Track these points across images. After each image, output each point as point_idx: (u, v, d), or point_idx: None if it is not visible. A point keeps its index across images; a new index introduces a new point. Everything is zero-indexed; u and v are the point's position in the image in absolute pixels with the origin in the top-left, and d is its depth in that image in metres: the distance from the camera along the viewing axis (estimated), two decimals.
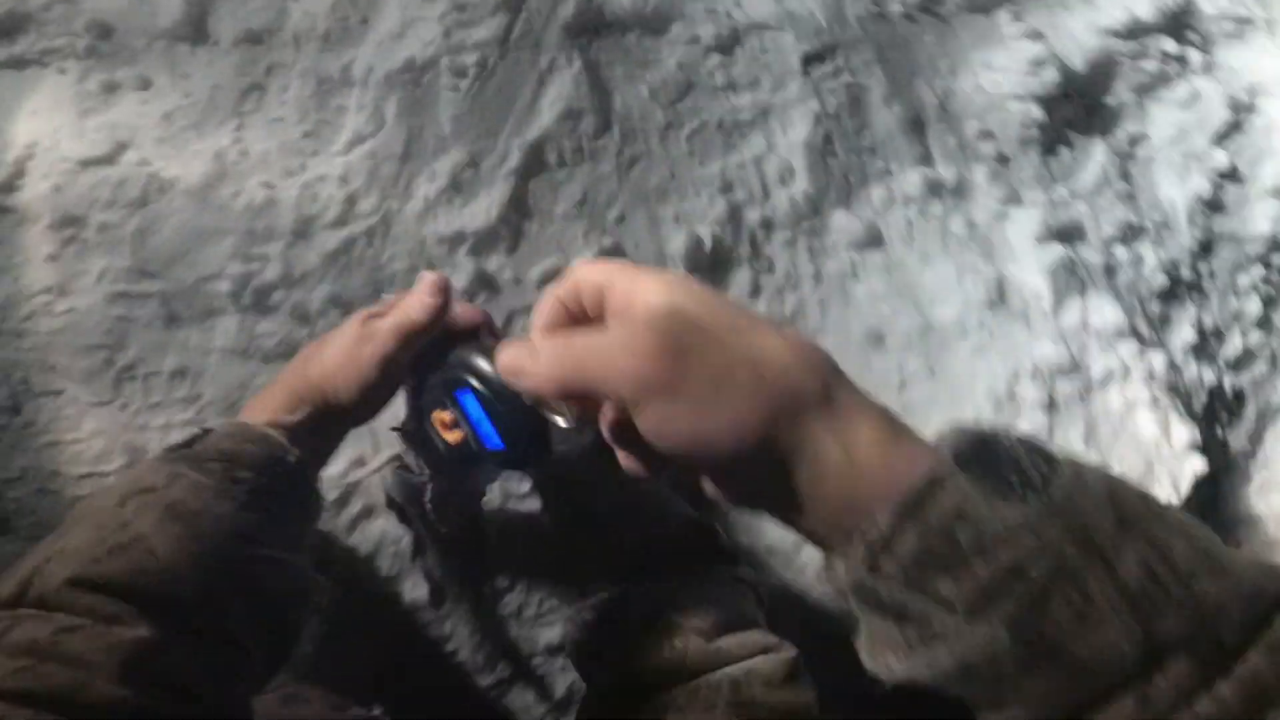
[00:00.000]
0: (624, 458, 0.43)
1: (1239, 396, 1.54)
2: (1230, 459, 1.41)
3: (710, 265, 1.03)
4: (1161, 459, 1.07)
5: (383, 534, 0.93)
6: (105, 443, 0.94)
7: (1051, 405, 1.02)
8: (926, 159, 1.13)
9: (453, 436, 0.58)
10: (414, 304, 0.62)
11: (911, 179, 1.09)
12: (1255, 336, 1.56)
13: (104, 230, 0.96)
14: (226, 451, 0.58)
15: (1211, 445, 1.36)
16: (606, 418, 0.43)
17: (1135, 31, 1.41)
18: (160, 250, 0.96)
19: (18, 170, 0.97)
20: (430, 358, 0.63)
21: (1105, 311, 1.09)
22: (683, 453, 0.38)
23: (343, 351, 0.62)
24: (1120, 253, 1.21)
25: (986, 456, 0.35)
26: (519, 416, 0.55)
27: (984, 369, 1.02)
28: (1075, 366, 1.04)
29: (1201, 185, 1.33)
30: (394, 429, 0.75)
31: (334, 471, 0.93)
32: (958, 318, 1.04)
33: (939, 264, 1.07)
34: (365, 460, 0.91)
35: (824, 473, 0.36)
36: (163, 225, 0.96)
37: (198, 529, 0.53)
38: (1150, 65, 1.34)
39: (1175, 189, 1.32)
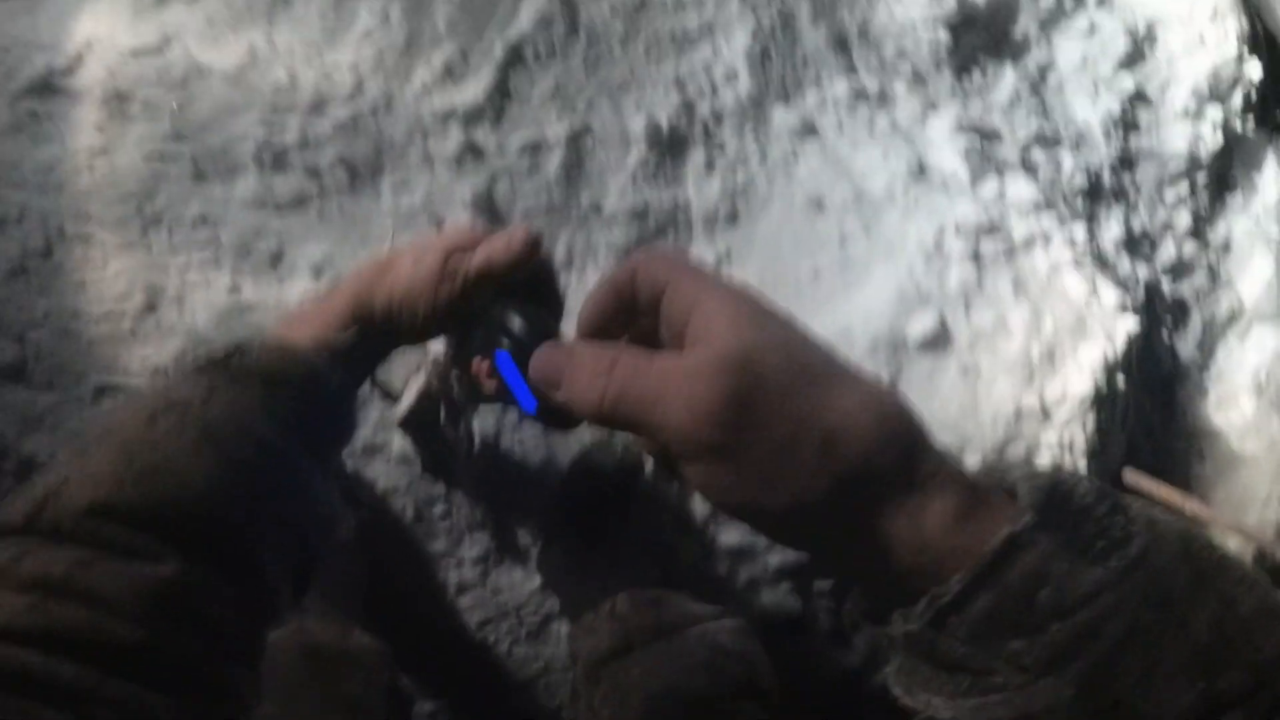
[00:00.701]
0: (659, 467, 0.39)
1: (1181, 305, 1.67)
2: (1182, 367, 1.52)
3: (669, 144, 1.19)
4: (1093, 315, 1.20)
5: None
6: (126, 282, 1.07)
7: (978, 259, 1.16)
8: (852, 71, 1.30)
9: (489, 385, 0.57)
10: (501, 252, 0.58)
11: (840, 86, 1.26)
12: (1190, 247, 1.70)
13: (147, 105, 1.12)
14: (269, 370, 0.52)
15: (1159, 348, 1.49)
16: (649, 446, 0.39)
17: None
18: (194, 120, 1.12)
19: (77, 58, 1.14)
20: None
21: (1021, 187, 1.24)
22: (731, 513, 0.36)
23: (419, 284, 0.57)
24: (1038, 154, 1.37)
25: (1065, 513, 0.33)
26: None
27: (913, 229, 1.17)
28: (996, 228, 1.18)
29: (1112, 105, 1.51)
30: (400, 424, 0.85)
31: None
32: (886, 187, 1.19)
33: (867, 148, 1.23)
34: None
35: (892, 546, 0.33)
36: (199, 101, 1.13)
37: (235, 454, 0.48)
38: (1047, 1, 1.53)
39: (1087, 109, 1.49)
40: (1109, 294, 1.25)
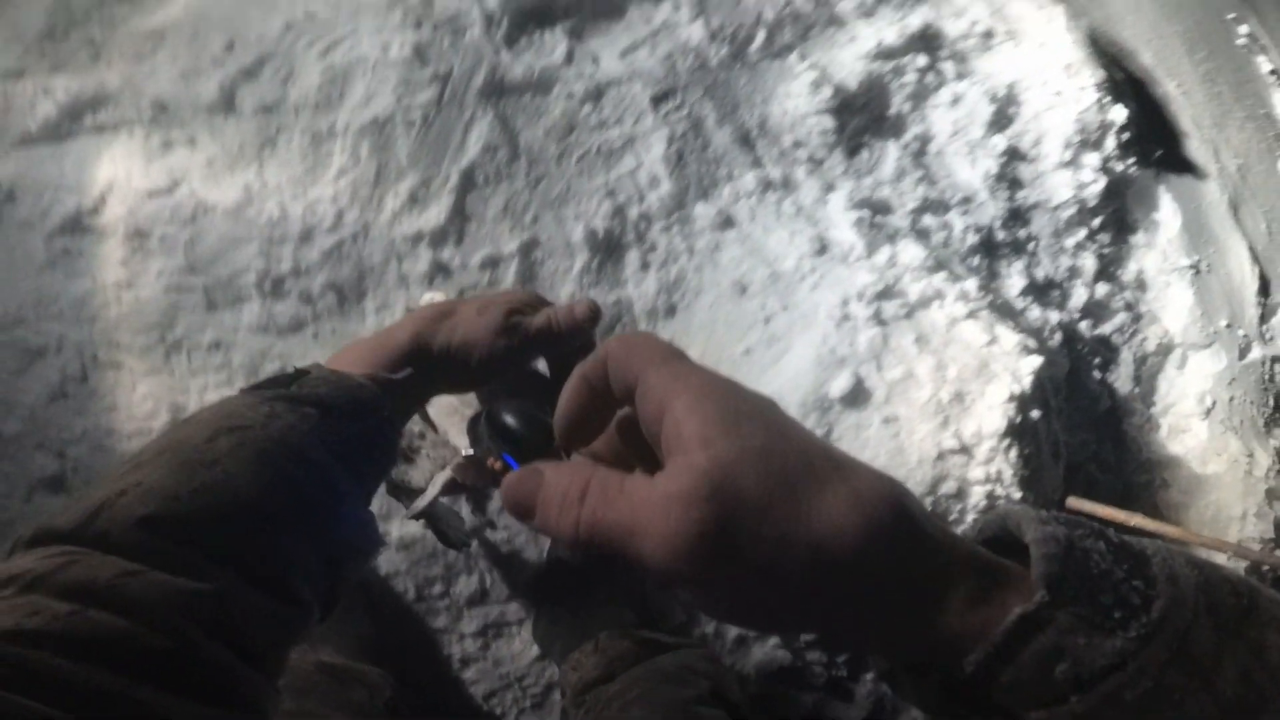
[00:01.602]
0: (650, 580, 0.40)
1: (1106, 344, 1.85)
2: (1122, 401, 1.72)
3: (607, 248, 1.40)
4: (995, 358, 1.40)
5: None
6: (153, 402, 1.29)
7: (880, 320, 1.37)
8: (758, 164, 1.51)
9: (499, 468, 0.60)
10: (564, 320, 0.61)
11: (749, 178, 1.47)
12: (1102, 289, 1.88)
13: (163, 240, 1.33)
14: (325, 397, 0.54)
15: (1090, 385, 1.69)
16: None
17: (889, 54, 1.83)
18: (204, 253, 1.33)
19: (100, 200, 1.35)
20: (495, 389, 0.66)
21: (912, 252, 1.45)
22: (728, 620, 0.35)
23: (479, 333, 0.60)
24: (928, 220, 1.58)
25: (1081, 582, 0.32)
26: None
27: (822, 300, 1.38)
28: (893, 292, 1.40)
29: (990, 165, 1.72)
30: (413, 517, 0.97)
31: None
32: (796, 265, 1.40)
33: (777, 232, 1.44)
34: None
35: (901, 639, 0.33)
36: (206, 236, 1.33)
37: (288, 476, 0.49)
38: (910, 79, 1.74)
39: (968, 172, 1.70)
40: (1008, 338, 1.46)
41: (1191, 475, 1.82)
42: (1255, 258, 2.33)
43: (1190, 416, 1.86)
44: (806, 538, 0.31)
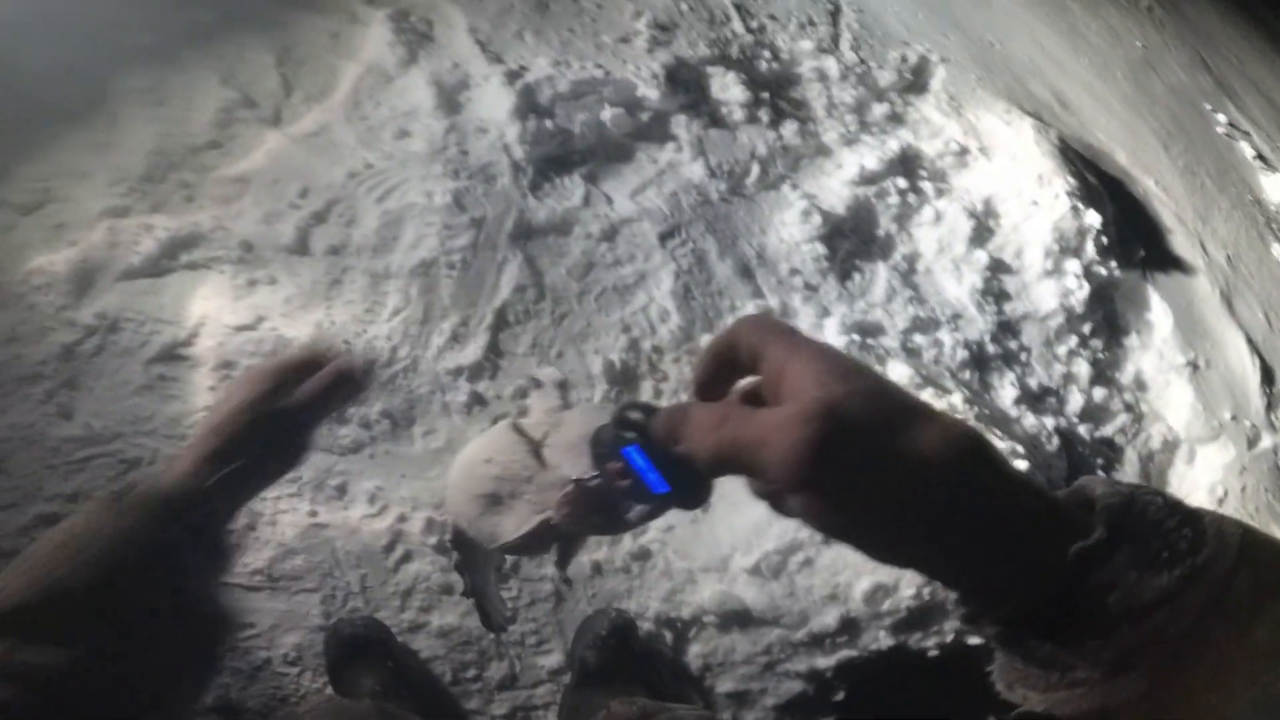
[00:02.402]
0: (763, 499, 0.46)
1: (1110, 444, 2.02)
2: None
3: (624, 378, 1.64)
4: None
5: (417, 574, 1.50)
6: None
7: None
8: (758, 293, 1.76)
9: (624, 482, 0.63)
10: (327, 384, 0.69)
11: (749, 308, 1.72)
12: (1100, 393, 2.06)
13: (248, 370, 1.56)
14: (146, 505, 0.62)
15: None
16: (757, 488, 0.45)
17: (872, 178, 2.07)
18: None
19: (194, 333, 1.60)
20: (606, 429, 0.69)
21: (901, 371, 1.69)
22: (831, 534, 0.41)
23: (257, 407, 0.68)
24: (918, 339, 1.81)
25: (1138, 527, 0.37)
26: (683, 462, 0.58)
27: None
28: None
29: (975, 280, 1.95)
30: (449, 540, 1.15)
31: (382, 525, 1.50)
32: None
33: None
34: (405, 517, 1.48)
35: (976, 556, 0.38)
36: None
37: (117, 575, 0.58)
38: (894, 200, 1.99)
39: (955, 287, 1.94)
40: (997, 444, 1.67)
41: None
42: (1255, 348, 2.51)
43: (1203, 507, 2.02)
44: (900, 459, 0.38)
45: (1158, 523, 0.38)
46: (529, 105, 1.99)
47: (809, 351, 0.41)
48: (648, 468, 0.58)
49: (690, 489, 0.56)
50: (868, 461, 0.38)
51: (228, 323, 1.61)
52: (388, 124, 1.94)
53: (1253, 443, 2.23)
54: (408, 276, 1.67)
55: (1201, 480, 2.11)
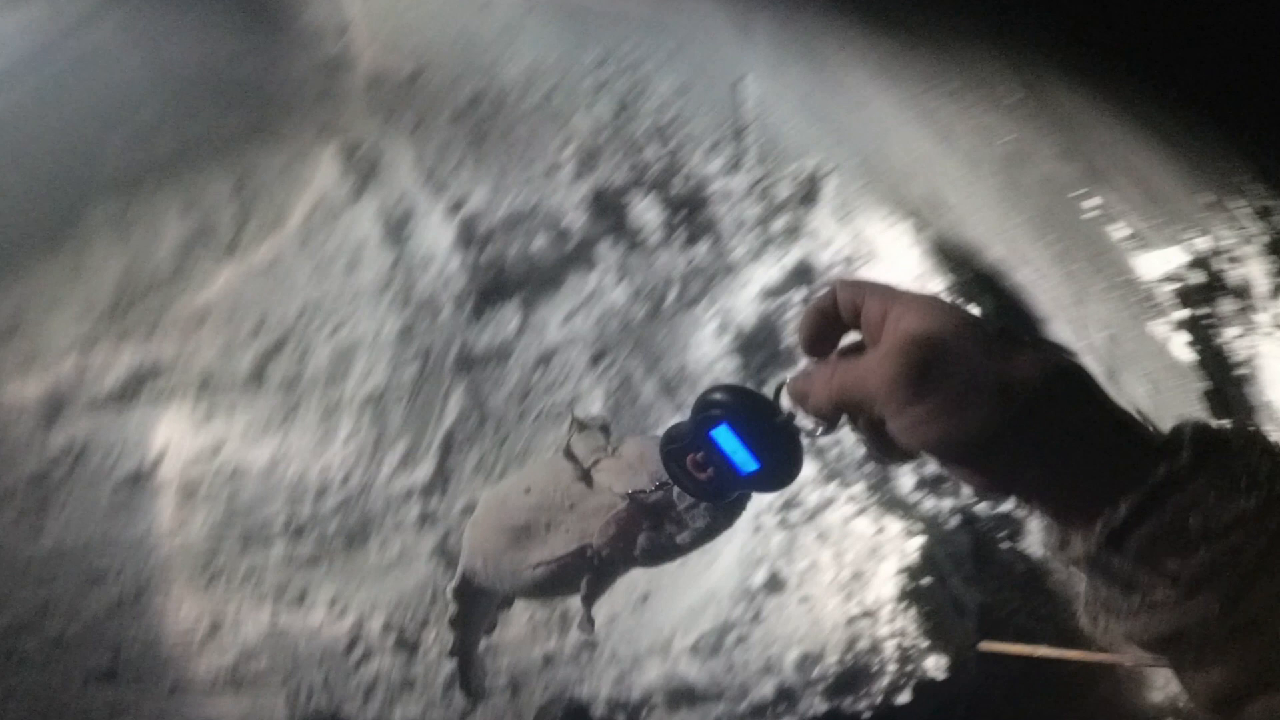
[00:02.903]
0: (870, 445, 0.52)
1: (1009, 518, 2.21)
2: (1038, 562, 2.12)
3: None
4: (884, 542, 1.90)
5: (378, 670, 1.66)
6: (196, 615, 1.68)
7: (787, 525, 1.85)
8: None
9: (703, 475, 0.65)
10: None
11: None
12: None
13: (208, 495, 1.73)
14: None
15: (1001, 555, 2.11)
16: (863, 422, 0.50)
17: (775, 292, 2.35)
18: (240, 505, 1.72)
19: (157, 459, 1.74)
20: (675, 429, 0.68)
21: (808, 469, 1.92)
22: (929, 450, 0.47)
23: None
24: (826, 440, 2.06)
25: (1222, 453, 0.42)
26: (771, 435, 0.61)
27: (752, 508, 1.83)
28: (794, 504, 1.87)
29: None
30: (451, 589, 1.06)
31: (342, 627, 1.66)
32: None
33: None
34: (365, 619, 1.64)
35: (1071, 468, 0.44)
36: (243, 491, 1.73)
37: None
38: (794, 311, 2.26)
39: None
40: (894, 526, 1.96)
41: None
42: (1145, 418, 2.81)
43: None
44: (997, 377, 0.43)
45: (1241, 450, 0.42)
46: (469, 236, 2.21)
47: (904, 296, 0.47)
48: (737, 446, 0.60)
49: (777, 464, 0.60)
50: (962, 379, 0.43)
51: (189, 450, 1.76)
52: (337, 256, 2.12)
53: None
54: (359, 406, 1.85)
55: None
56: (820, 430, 0.56)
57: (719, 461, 0.63)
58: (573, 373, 2.05)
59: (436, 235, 2.22)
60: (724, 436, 0.61)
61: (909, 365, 0.44)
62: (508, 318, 2.12)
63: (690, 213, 2.72)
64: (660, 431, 0.70)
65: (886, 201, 3.30)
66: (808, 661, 1.76)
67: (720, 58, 3.72)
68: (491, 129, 2.63)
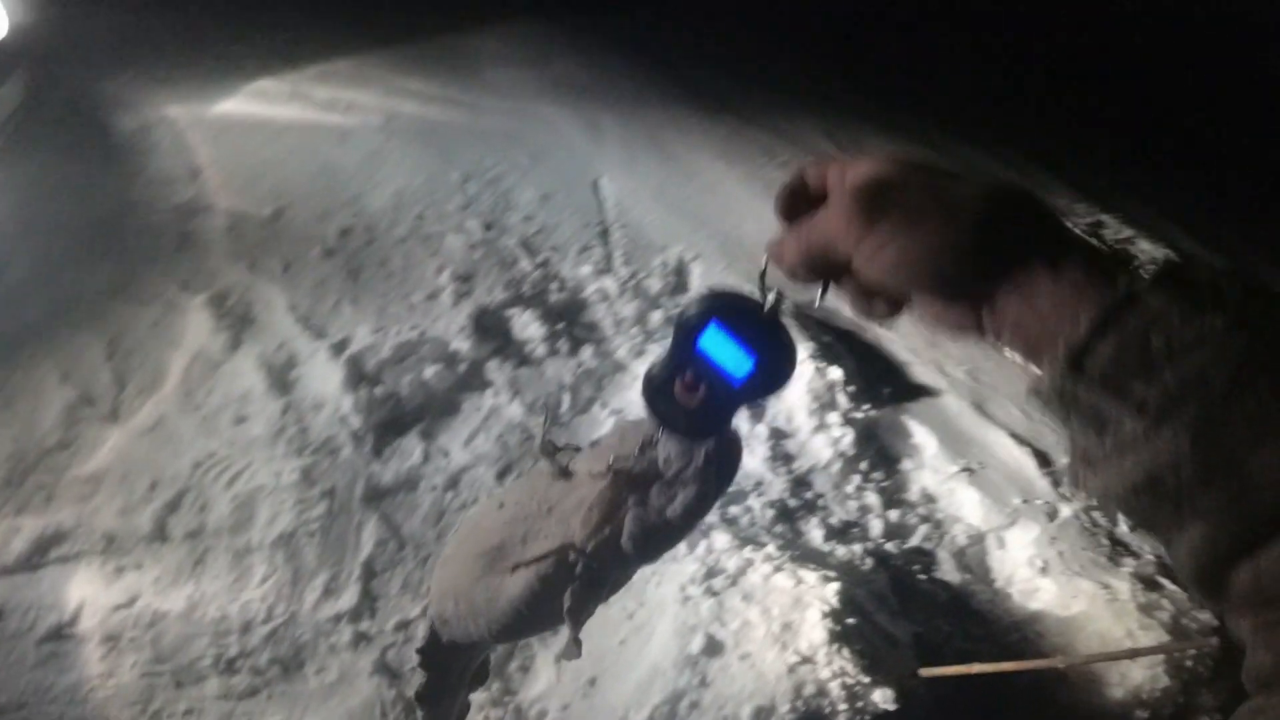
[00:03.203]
0: (854, 302, 0.68)
1: (922, 552, 2.94)
2: (959, 588, 2.80)
3: None
4: (804, 592, 2.60)
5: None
6: None
7: (712, 592, 2.53)
8: None
9: (694, 399, 0.77)
10: None
11: None
12: (894, 514, 3.05)
13: (132, 641, 2.28)
14: None
15: (920, 587, 2.82)
16: (845, 281, 0.67)
17: None
18: (166, 647, 2.30)
19: (76, 614, 2.29)
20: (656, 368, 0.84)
21: (723, 539, 2.70)
22: (894, 279, 0.63)
23: None
24: (733, 509, 2.80)
25: (1185, 278, 0.52)
26: (760, 327, 0.75)
27: (666, 590, 2.59)
28: (716, 571, 2.53)
29: (764, 450, 3.03)
30: (417, 651, 1.23)
31: None
32: (639, 575, 2.48)
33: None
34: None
35: (1032, 290, 0.57)
36: (166, 634, 2.32)
37: None
38: None
39: (751, 461, 3.02)
40: (810, 576, 2.65)
41: (1060, 620, 2.81)
42: (1021, 440, 3.57)
43: (1033, 578, 2.94)
44: (945, 203, 0.59)
45: (1211, 281, 0.52)
46: (358, 375, 2.90)
47: (858, 157, 0.66)
48: (727, 349, 0.74)
49: (771, 355, 0.75)
50: (912, 207, 0.60)
51: (104, 603, 2.30)
52: (223, 409, 2.77)
53: (1052, 516, 3.24)
54: (270, 548, 2.46)
55: (1020, 557, 3.05)
56: (816, 303, 0.75)
57: (710, 375, 0.78)
58: (483, 489, 2.70)
59: (324, 377, 2.91)
60: (712, 341, 0.75)
61: (858, 199, 0.63)
62: (410, 448, 2.79)
63: (570, 320, 3.50)
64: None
65: (748, 278, 4.16)
66: (762, 714, 2.39)
67: (576, 162, 4.73)
68: (365, 262, 3.39)
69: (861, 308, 0.68)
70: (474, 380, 3.13)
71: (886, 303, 0.67)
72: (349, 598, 2.45)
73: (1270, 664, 0.52)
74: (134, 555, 2.43)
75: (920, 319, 0.67)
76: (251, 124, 4.37)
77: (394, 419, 2.90)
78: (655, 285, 3.86)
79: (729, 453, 0.90)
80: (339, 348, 3.00)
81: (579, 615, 0.99)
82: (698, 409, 0.79)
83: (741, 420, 3.14)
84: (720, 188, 5.00)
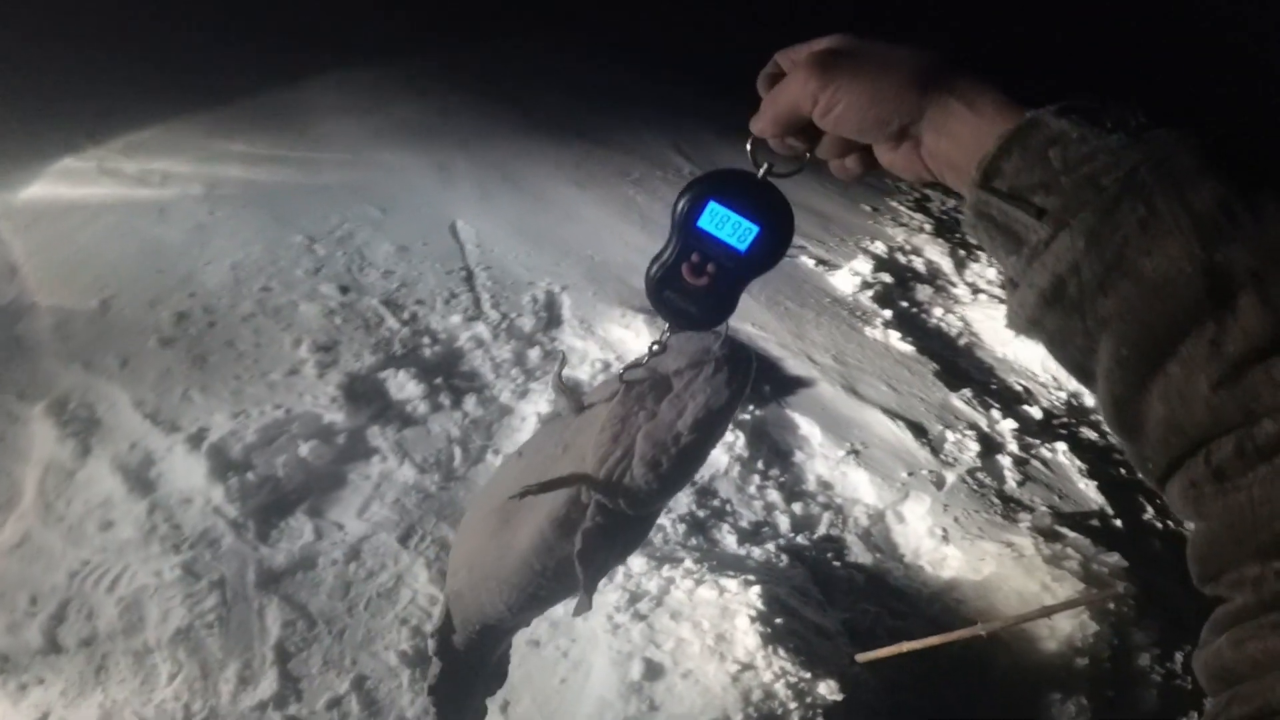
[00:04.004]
0: (832, 164, 0.91)
1: (830, 539, 3.37)
2: (873, 568, 3.18)
3: (420, 660, 2.63)
4: (729, 600, 2.93)
5: None
6: None
7: (640, 616, 2.84)
8: None
9: (703, 280, 0.88)
10: None
11: None
12: (799, 506, 3.49)
13: None
14: None
15: (835, 574, 3.22)
16: (822, 144, 0.89)
17: (548, 420, 3.38)
18: None
19: None
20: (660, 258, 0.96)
21: (638, 562, 3.01)
22: (846, 128, 0.86)
23: None
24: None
25: (1091, 107, 0.69)
26: (758, 194, 0.89)
27: (595, 622, 2.89)
28: (639, 595, 2.89)
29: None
30: (431, 635, 1.46)
31: None
32: (565, 611, 2.73)
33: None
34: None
35: (955, 127, 0.78)
36: None
37: None
38: None
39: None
40: (730, 583, 3.01)
41: (974, 584, 3.23)
42: (894, 415, 4.04)
43: (937, 548, 3.41)
44: (880, 60, 0.83)
45: (1115, 109, 0.67)
46: (224, 464, 3.12)
47: (820, 39, 0.90)
48: (730, 223, 0.87)
49: (774, 217, 0.90)
50: (861, 64, 0.83)
51: None
52: (87, 518, 2.96)
53: (940, 484, 3.76)
54: (169, 646, 2.63)
55: (920, 529, 3.51)
56: (797, 167, 0.94)
57: (717, 251, 0.90)
58: (388, 554, 2.93)
59: (187, 471, 3.14)
60: (714, 218, 0.88)
61: (813, 64, 0.85)
62: (299, 528, 3.02)
63: (448, 373, 3.76)
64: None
65: (617, 303, 4.58)
66: None
67: (429, 207, 5.06)
68: (210, 346, 3.64)
69: (838, 167, 0.93)
70: (357, 449, 3.39)
71: (858, 159, 0.91)
72: (268, 684, 2.65)
73: (1206, 538, 0.63)
74: (32, 670, 2.57)
75: (885, 165, 0.89)
76: (62, 208, 4.55)
77: (275, 501, 3.12)
78: (528, 323, 4.21)
79: (739, 358, 1.01)
80: (196, 439, 3.21)
81: (590, 561, 1.06)
82: (708, 290, 0.91)
83: None
84: (579, 213, 5.37)
